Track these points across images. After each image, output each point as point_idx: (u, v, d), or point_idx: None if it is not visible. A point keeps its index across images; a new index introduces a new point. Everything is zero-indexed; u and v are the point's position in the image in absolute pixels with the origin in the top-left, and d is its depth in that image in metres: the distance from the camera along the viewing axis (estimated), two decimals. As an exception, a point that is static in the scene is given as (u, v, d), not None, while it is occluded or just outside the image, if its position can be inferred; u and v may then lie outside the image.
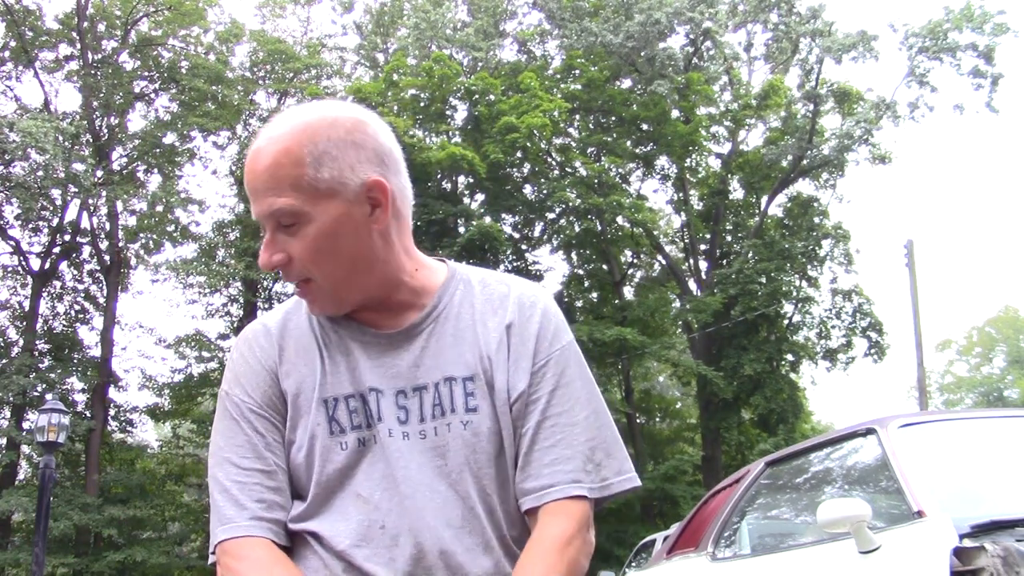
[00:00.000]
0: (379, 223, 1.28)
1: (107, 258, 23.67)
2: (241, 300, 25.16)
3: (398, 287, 1.34)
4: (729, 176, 25.65)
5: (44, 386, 21.44)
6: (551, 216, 24.94)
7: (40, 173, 21.07)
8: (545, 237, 25.91)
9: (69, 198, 23.08)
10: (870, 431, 3.31)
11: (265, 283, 25.32)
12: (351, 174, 1.25)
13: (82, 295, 24.70)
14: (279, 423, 1.32)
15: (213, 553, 1.29)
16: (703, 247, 26.16)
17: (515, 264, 25.11)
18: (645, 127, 24.85)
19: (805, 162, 23.38)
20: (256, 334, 1.38)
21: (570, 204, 23.30)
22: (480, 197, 24.77)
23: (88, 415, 22.36)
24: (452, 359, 1.32)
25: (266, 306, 24.10)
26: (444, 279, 1.39)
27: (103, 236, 23.94)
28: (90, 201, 22.66)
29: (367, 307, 1.34)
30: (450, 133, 24.18)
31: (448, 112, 24.44)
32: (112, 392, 23.83)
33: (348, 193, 1.25)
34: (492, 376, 1.32)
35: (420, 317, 1.34)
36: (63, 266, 24.32)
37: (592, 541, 1.31)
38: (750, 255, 23.50)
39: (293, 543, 1.30)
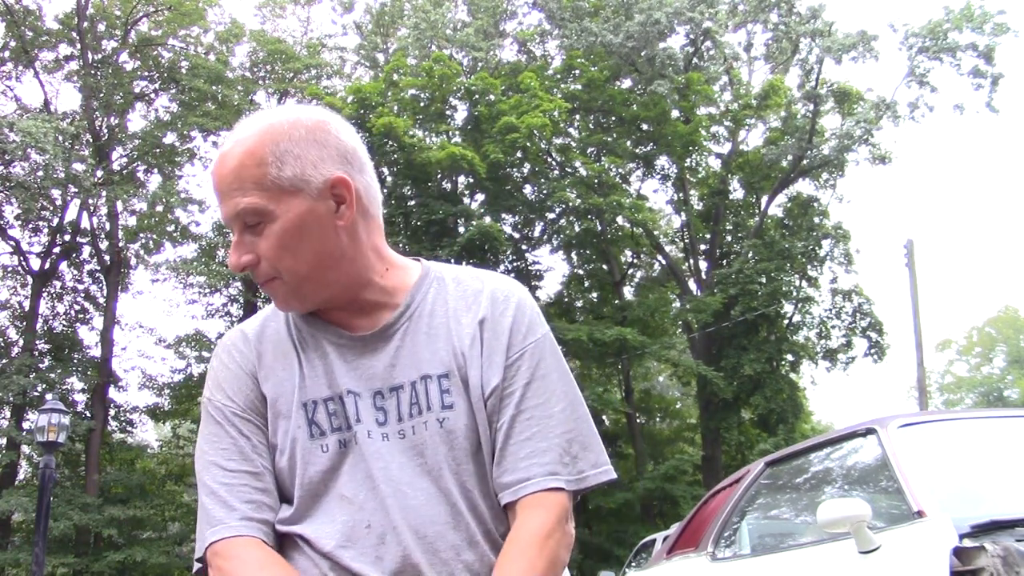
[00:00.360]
0: (344, 220, 1.29)
1: (107, 258, 23.67)
2: (241, 300, 25.16)
3: (367, 286, 1.34)
4: (729, 176, 25.65)
5: (44, 386, 21.44)
6: (551, 216, 24.93)
7: (40, 173, 21.07)
8: (545, 237, 25.91)
9: (69, 198, 23.09)
10: (870, 431, 3.31)
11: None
12: (314, 171, 1.27)
13: (82, 295, 24.71)
14: (262, 426, 1.33)
15: (199, 561, 1.29)
16: (703, 247, 26.16)
17: (515, 264, 25.11)
18: (645, 127, 24.85)
19: (805, 162, 23.38)
20: (234, 340, 1.39)
21: (570, 204, 23.30)
22: (480, 197, 24.77)
23: (88, 415, 22.35)
24: (427, 357, 1.33)
25: (265, 306, 24.10)
26: (417, 278, 1.39)
27: (103, 236, 23.95)
28: (90, 201, 22.66)
29: (339, 307, 1.34)
30: (450, 133, 24.18)
31: (448, 112, 24.44)
32: (112, 392, 23.84)
33: (311, 190, 1.26)
34: (466, 372, 1.32)
35: (393, 317, 1.34)
36: (63, 266, 24.33)
37: (571, 533, 1.31)
38: (750, 255, 23.51)
39: (282, 546, 1.30)
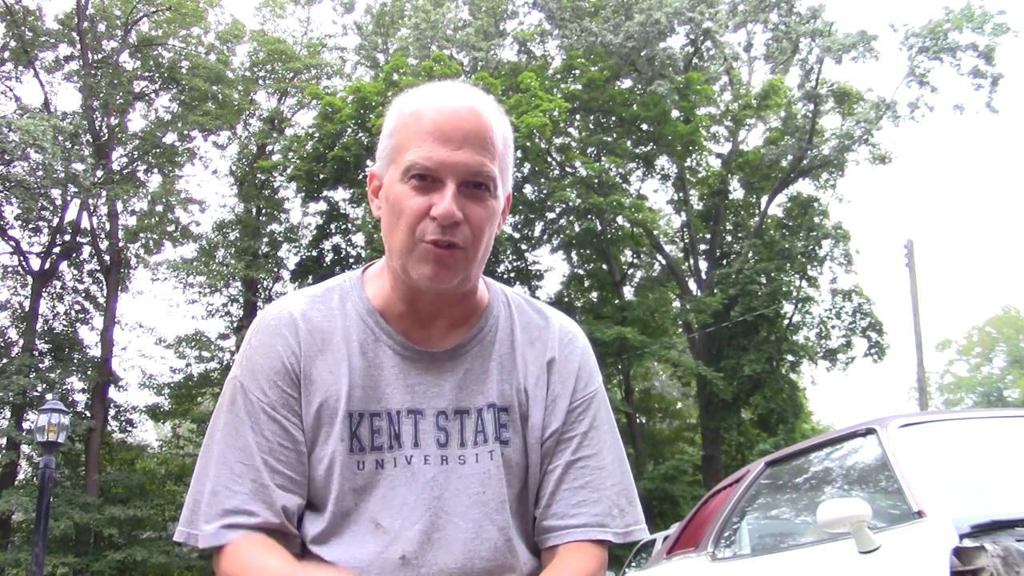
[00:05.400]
0: (500, 227, 1.32)
1: (107, 258, 23.67)
2: (241, 300, 25.17)
3: (471, 295, 1.32)
4: (729, 176, 25.64)
5: (44, 386, 21.45)
6: (551, 216, 24.92)
7: (40, 173, 21.07)
8: (545, 237, 25.90)
9: (69, 198, 23.09)
10: (870, 431, 3.31)
11: (265, 283, 25.34)
12: (509, 178, 1.31)
13: (82, 295, 24.71)
14: (291, 424, 1.25)
15: (189, 543, 1.23)
16: (703, 247, 26.16)
17: (515, 264, 25.10)
18: (645, 127, 24.84)
19: (805, 162, 23.38)
20: (279, 324, 1.29)
21: (570, 204, 23.30)
22: (480, 197, 24.72)
23: (88, 415, 22.36)
24: (492, 386, 1.30)
25: (265, 306, 24.07)
26: (489, 298, 1.36)
27: (103, 236, 23.95)
28: (90, 201, 22.66)
29: (432, 313, 1.30)
30: (450, 133, 24.11)
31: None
32: (112, 392, 23.85)
33: (505, 191, 1.29)
34: (527, 411, 1.30)
35: (467, 338, 1.31)
36: (63, 266, 24.33)
37: None
38: (750, 255, 23.50)
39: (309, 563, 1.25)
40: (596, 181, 23.23)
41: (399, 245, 1.23)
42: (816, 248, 24.24)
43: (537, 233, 25.92)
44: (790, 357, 24.20)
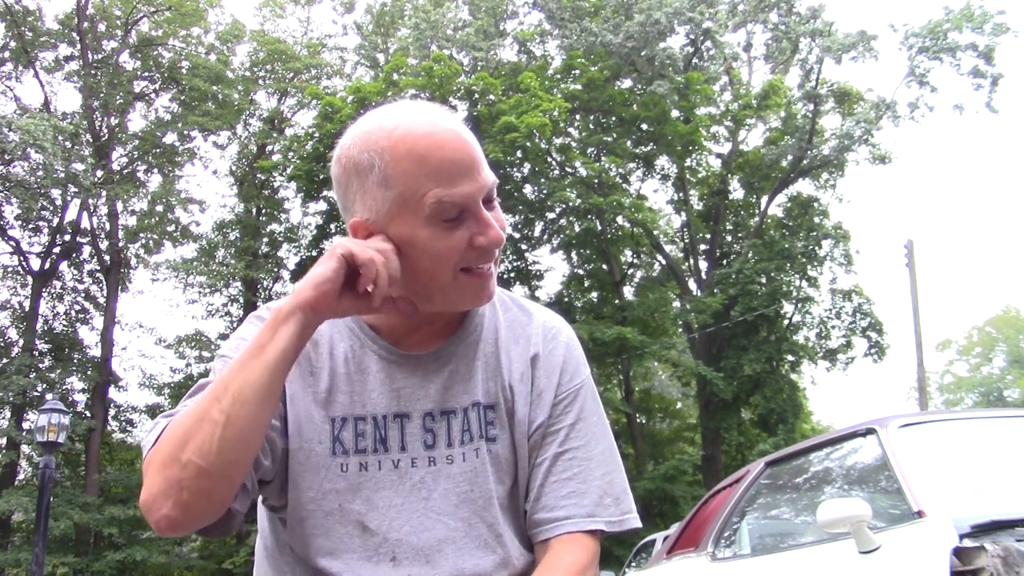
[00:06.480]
0: None
1: (107, 258, 23.68)
2: (241, 300, 25.17)
3: None
4: (729, 176, 25.65)
5: (44, 386, 21.47)
6: (551, 216, 24.92)
7: (40, 173, 21.09)
8: (545, 237, 25.90)
9: (69, 198, 23.11)
10: (870, 431, 3.31)
11: (265, 283, 25.34)
12: None
13: (82, 295, 24.73)
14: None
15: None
16: (703, 247, 26.16)
17: (515, 264, 25.09)
18: (645, 127, 24.84)
19: (805, 162, 23.38)
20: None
21: (570, 204, 23.30)
22: (480, 197, 24.72)
23: (88, 415, 22.37)
24: (477, 385, 1.30)
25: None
26: None
27: (103, 236, 23.96)
28: (90, 201, 22.68)
29: (421, 321, 1.28)
30: (450, 133, 24.12)
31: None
32: (112, 392, 23.87)
33: None
34: (513, 407, 1.30)
35: (452, 339, 1.31)
36: (63, 266, 24.35)
37: None
38: (750, 255, 23.50)
39: (297, 570, 1.26)
40: (596, 181, 23.23)
41: (439, 285, 1.21)
42: (816, 248, 24.25)
43: (537, 233, 25.92)
44: (790, 357, 24.21)
